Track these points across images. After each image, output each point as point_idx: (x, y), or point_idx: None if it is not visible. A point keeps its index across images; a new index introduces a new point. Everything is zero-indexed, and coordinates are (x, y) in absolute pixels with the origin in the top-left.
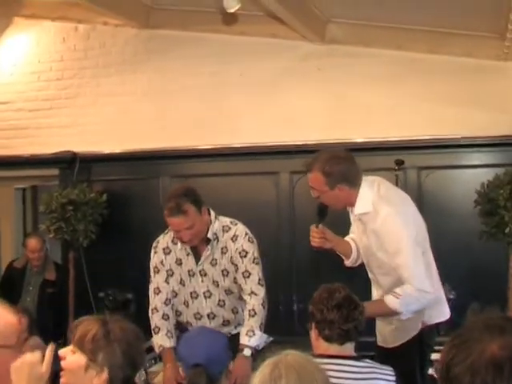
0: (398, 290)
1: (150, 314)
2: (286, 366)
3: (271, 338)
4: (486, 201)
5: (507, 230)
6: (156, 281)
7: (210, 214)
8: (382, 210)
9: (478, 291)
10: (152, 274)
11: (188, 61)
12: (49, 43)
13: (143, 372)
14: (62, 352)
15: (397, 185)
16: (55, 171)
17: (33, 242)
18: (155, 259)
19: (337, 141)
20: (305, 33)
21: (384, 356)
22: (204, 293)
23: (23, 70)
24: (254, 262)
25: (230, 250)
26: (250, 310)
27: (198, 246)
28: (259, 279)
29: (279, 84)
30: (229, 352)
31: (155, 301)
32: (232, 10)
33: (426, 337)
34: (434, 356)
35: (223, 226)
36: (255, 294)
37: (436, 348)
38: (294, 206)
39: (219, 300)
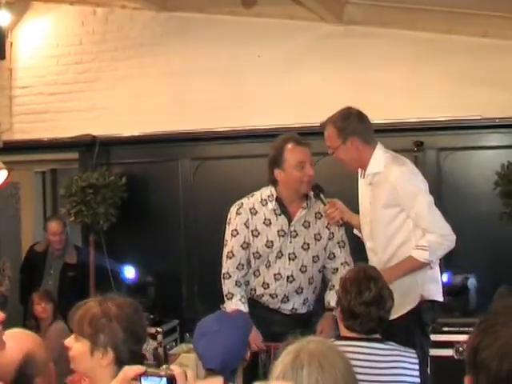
0: (421, 242)
1: (222, 279)
2: (308, 355)
3: None
4: (506, 182)
5: None
6: (231, 244)
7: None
8: (395, 168)
9: (500, 273)
10: (228, 237)
11: (206, 43)
12: (67, 27)
13: (150, 341)
14: (66, 342)
15: (416, 166)
16: (75, 155)
17: (54, 225)
18: (237, 220)
19: None
20: (322, 14)
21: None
22: (289, 254)
23: (42, 54)
24: (345, 234)
25: (324, 216)
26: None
27: (290, 206)
28: (349, 250)
29: (297, 65)
30: (247, 345)
31: (227, 265)
32: None
33: (424, 313)
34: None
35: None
36: (348, 264)
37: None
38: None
39: (302, 265)
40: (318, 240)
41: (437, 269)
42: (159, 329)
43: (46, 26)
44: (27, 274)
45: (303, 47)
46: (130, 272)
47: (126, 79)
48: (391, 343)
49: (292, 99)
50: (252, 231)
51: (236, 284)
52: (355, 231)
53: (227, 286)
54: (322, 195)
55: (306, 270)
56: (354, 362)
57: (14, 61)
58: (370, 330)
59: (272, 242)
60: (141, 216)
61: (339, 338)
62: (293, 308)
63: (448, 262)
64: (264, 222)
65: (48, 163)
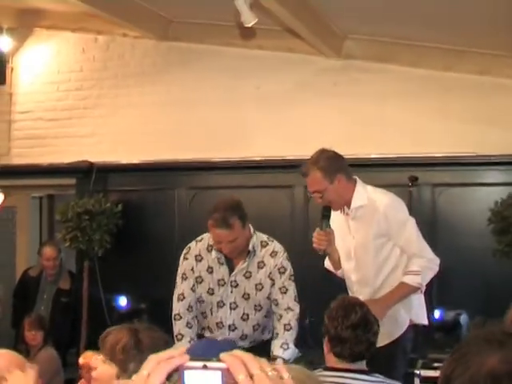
0: (412, 267)
1: (172, 320)
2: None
3: (300, 354)
4: (500, 219)
5: None
6: (182, 287)
7: (250, 227)
8: (382, 199)
9: (492, 310)
10: (179, 280)
11: (206, 73)
12: (68, 54)
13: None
14: (93, 362)
15: (410, 201)
16: (72, 180)
17: (48, 251)
18: (184, 265)
19: (351, 156)
20: (321, 48)
21: None
22: (230, 304)
23: (43, 80)
24: (290, 279)
25: (268, 265)
26: (285, 324)
27: (233, 257)
28: (295, 296)
29: (295, 98)
30: None
31: (178, 307)
32: (249, 25)
33: (409, 340)
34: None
35: (261, 241)
36: (291, 310)
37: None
38: (308, 219)
39: (243, 313)
40: (260, 290)
41: (422, 294)
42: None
43: (47, 53)
44: (20, 298)
45: (302, 80)
46: (122, 301)
47: (125, 107)
48: (377, 375)
49: (289, 131)
50: (196, 278)
51: (187, 325)
52: (326, 264)
53: (178, 327)
54: (326, 220)
55: (247, 318)
56: None
57: (14, 86)
58: (359, 355)
59: (213, 289)
60: (136, 243)
61: (326, 368)
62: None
63: (440, 298)
64: (207, 270)
65: (45, 188)
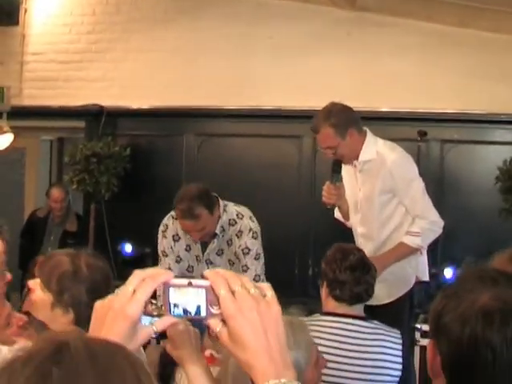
0: (413, 228)
1: None
2: None
3: None
4: (507, 177)
5: None
6: (167, 262)
7: (219, 207)
8: (390, 154)
9: None
10: (161, 256)
11: (218, 21)
12: None
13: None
14: (31, 283)
15: (418, 156)
16: (82, 124)
17: (56, 192)
18: (164, 244)
19: (362, 108)
20: None
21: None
22: None
23: (55, 22)
24: (255, 259)
25: (234, 244)
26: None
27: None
28: (255, 275)
29: (308, 48)
30: None
31: None
32: None
33: (415, 295)
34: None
35: (229, 220)
36: (247, 269)
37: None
38: (315, 170)
39: None
40: (232, 265)
41: (425, 251)
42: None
43: None
44: (27, 238)
45: (315, 31)
46: (128, 248)
47: (136, 52)
48: (375, 322)
49: (300, 82)
50: (176, 257)
51: None
52: (336, 215)
53: None
54: (337, 174)
55: None
56: (337, 338)
57: (27, 27)
58: (358, 297)
59: (193, 267)
60: (143, 187)
61: (324, 313)
62: None
63: (445, 256)
64: (185, 249)
65: (54, 131)
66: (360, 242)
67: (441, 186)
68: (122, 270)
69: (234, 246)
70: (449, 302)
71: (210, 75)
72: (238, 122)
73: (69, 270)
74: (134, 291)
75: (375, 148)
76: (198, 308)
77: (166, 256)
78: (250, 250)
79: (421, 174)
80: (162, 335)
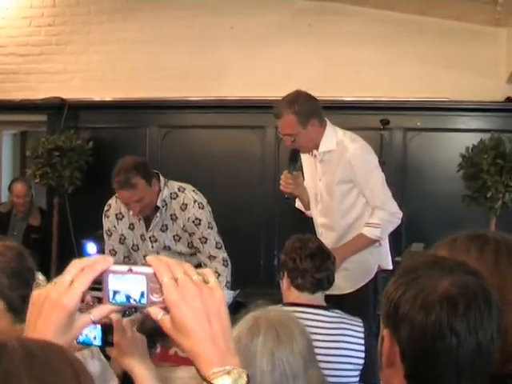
0: (372, 220)
1: None
2: (266, 323)
3: (237, 291)
4: (470, 165)
5: (489, 195)
6: (111, 243)
7: (159, 181)
8: (350, 145)
9: None
10: (106, 237)
11: (180, 12)
12: None
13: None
14: None
15: (381, 144)
16: (44, 117)
17: (18, 187)
18: (107, 224)
19: (325, 98)
20: None
21: (336, 305)
22: None
23: (15, 15)
24: (208, 227)
25: (180, 218)
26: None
27: (145, 215)
28: (216, 243)
29: (270, 39)
30: None
31: None
32: None
33: (380, 283)
34: None
35: (171, 193)
36: (214, 257)
37: None
38: (279, 160)
39: None
40: (178, 241)
41: (387, 240)
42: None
43: None
44: None
45: (276, 21)
46: (91, 248)
47: (98, 44)
48: (337, 311)
49: (262, 72)
50: (120, 235)
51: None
52: (297, 204)
53: None
54: (294, 163)
55: None
56: None
57: None
58: (320, 284)
59: (137, 245)
60: (106, 181)
61: (285, 305)
62: None
63: (409, 244)
64: (129, 227)
65: (17, 125)
66: (321, 231)
67: (404, 174)
68: None
69: (180, 220)
70: (407, 290)
71: (172, 66)
72: (202, 114)
73: None
74: (72, 281)
75: (335, 138)
76: (139, 295)
77: (110, 235)
78: (200, 220)
79: (384, 163)
80: (108, 343)
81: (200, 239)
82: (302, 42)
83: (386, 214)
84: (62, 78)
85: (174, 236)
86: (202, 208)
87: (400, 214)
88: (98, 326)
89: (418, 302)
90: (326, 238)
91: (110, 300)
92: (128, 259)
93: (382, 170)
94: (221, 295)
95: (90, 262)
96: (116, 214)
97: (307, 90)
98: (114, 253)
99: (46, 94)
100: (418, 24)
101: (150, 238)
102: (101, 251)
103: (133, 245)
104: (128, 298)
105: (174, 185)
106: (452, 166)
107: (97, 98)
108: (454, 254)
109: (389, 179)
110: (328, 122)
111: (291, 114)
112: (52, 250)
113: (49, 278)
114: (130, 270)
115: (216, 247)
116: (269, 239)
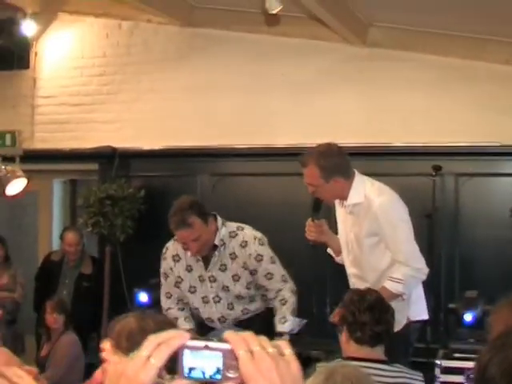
0: (395, 274)
1: (166, 312)
2: (341, 378)
3: (304, 321)
4: None
5: None
6: (167, 286)
7: (216, 221)
8: (376, 198)
9: None
10: (162, 279)
11: (230, 60)
12: (92, 39)
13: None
14: (105, 355)
15: (434, 191)
16: (95, 166)
17: (70, 236)
18: (164, 266)
19: (375, 144)
20: (346, 35)
21: None
22: (213, 298)
23: (67, 65)
24: (271, 262)
25: (240, 256)
26: (280, 300)
27: (203, 254)
28: (282, 275)
29: (320, 85)
30: None
31: (168, 303)
32: (274, 12)
33: (411, 334)
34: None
35: (230, 232)
36: (281, 289)
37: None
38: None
39: (228, 304)
40: (237, 281)
41: (420, 287)
42: None
43: (71, 38)
44: (42, 282)
45: (327, 67)
46: (143, 297)
47: (148, 93)
48: (397, 365)
49: (312, 119)
50: (176, 277)
51: (178, 309)
52: (329, 250)
53: (171, 315)
54: (317, 211)
55: (233, 307)
56: None
57: (37, 70)
58: (379, 337)
59: (195, 287)
60: (158, 229)
61: (345, 359)
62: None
63: (462, 290)
64: (186, 269)
65: (68, 173)
66: (353, 282)
67: (456, 220)
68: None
69: (240, 259)
70: (494, 356)
71: (222, 114)
72: (252, 161)
73: (136, 327)
74: (149, 357)
75: (363, 191)
76: (214, 372)
77: (167, 278)
78: (262, 255)
79: (437, 209)
80: None
81: (265, 276)
82: (352, 89)
83: (409, 270)
84: (113, 127)
85: (233, 276)
86: (263, 244)
87: (426, 270)
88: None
89: (502, 368)
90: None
91: (186, 375)
92: (182, 302)
93: (434, 217)
94: (297, 367)
95: (166, 338)
96: (173, 256)
97: (358, 137)
98: (169, 295)
99: (96, 143)
100: (466, 69)
101: (209, 277)
102: (153, 300)
103: (190, 286)
104: (203, 373)
105: (233, 224)
106: (505, 210)
107: (147, 146)
108: None
109: (441, 224)
110: (357, 174)
111: (316, 166)
112: (104, 299)
113: (100, 326)
114: (207, 347)
115: (282, 280)
116: (321, 288)
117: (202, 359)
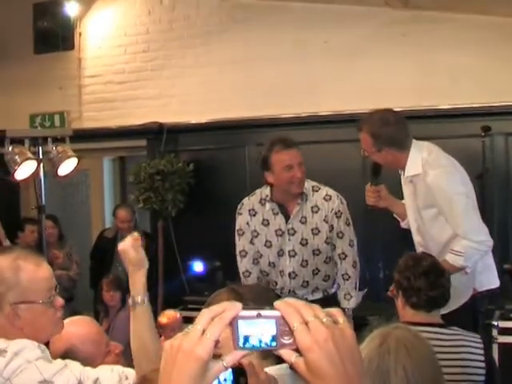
0: (456, 247)
1: (242, 278)
2: (395, 341)
3: (366, 289)
4: None
5: None
6: (241, 244)
7: None
8: (431, 170)
9: None
10: (236, 237)
11: (272, 29)
12: (134, 16)
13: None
14: (161, 319)
15: (483, 152)
16: (143, 142)
17: (122, 213)
18: (239, 221)
19: (422, 107)
20: None
21: None
22: (289, 251)
23: (110, 44)
24: (346, 224)
25: (323, 209)
26: (343, 275)
27: (286, 205)
28: (350, 240)
29: (364, 51)
30: None
31: (244, 264)
32: None
33: (478, 304)
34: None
35: (312, 186)
36: (345, 256)
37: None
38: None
39: (303, 260)
40: (316, 234)
41: (490, 255)
42: None
43: (114, 16)
44: (97, 259)
45: (370, 33)
46: (198, 266)
47: (192, 67)
48: (454, 328)
49: (358, 85)
50: (252, 232)
51: (257, 279)
52: (403, 224)
53: (252, 281)
54: (375, 176)
55: (307, 264)
56: None
57: (82, 50)
58: (435, 302)
59: (271, 242)
60: (208, 202)
61: (403, 323)
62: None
63: None
64: (262, 223)
65: (117, 151)
66: (418, 249)
67: (508, 180)
68: (194, 285)
69: (323, 211)
70: None
71: (267, 84)
72: (298, 130)
73: (233, 296)
74: (204, 331)
75: (420, 161)
76: (269, 339)
77: (242, 235)
78: (341, 213)
79: (487, 170)
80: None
81: (338, 234)
82: (397, 53)
83: (469, 242)
84: (159, 102)
85: (312, 229)
86: (343, 204)
87: (489, 242)
88: (229, 369)
89: None
90: None
91: (241, 345)
92: (257, 261)
93: (485, 178)
94: (352, 335)
95: (219, 311)
96: (249, 210)
97: (404, 100)
98: (244, 253)
99: (144, 120)
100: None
101: (288, 230)
102: (208, 270)
103: (266, 241)
104: (257, 342)
105: (314, 182)
106: None
107: (193, 120)
108: None
109: (492, 186)
110: (414, 143)
111: (368, 134)
112: (158, 272)
113: (156, 300)
114: (259, 315)
115: (349, 245)
116: (373, 253)
117: (256, 327)
